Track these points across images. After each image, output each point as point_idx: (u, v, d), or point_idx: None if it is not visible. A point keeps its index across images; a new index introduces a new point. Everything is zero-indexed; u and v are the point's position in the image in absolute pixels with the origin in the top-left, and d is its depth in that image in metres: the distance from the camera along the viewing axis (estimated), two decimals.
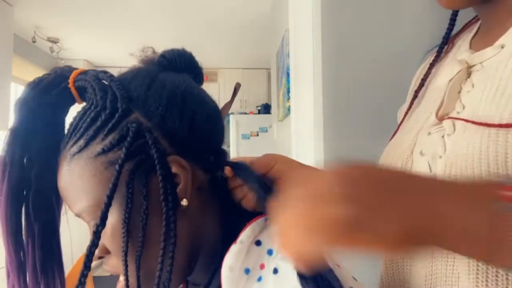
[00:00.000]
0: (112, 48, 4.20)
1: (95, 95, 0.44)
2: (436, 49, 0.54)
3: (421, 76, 0.54)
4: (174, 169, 0.43)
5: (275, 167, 0.51)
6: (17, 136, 0.43)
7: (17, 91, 3.76)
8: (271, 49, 3.02)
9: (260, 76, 5.08)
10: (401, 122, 0.55)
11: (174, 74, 0.50)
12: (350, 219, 0.25)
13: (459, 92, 0.43)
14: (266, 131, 4.57)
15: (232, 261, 0.43)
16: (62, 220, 0.48)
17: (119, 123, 0.43)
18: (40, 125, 0.45)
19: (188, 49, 0.56)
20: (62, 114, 0.48)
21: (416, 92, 0.53)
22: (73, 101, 0.48)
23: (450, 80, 0.44)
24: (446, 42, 0.53)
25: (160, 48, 0.54)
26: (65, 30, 3.67)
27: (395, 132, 0.55)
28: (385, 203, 0.26)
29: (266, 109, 4.66)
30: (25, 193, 0.44)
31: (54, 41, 3.89)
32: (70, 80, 0.45)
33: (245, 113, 4.82)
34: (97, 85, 0.44)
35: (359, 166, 0.28)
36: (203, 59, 0.56)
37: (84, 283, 0.40)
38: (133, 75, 0.48)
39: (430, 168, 0.42)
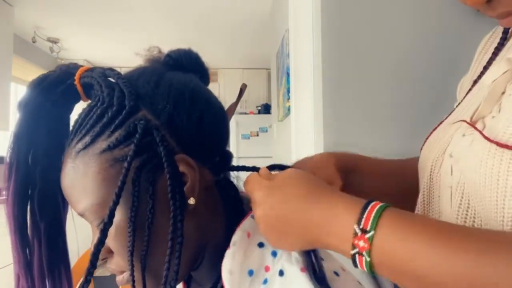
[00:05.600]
0: (112, 48, 4.21)
1: (101, 92, 0.43)
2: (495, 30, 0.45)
3: (483, 51, 0.49)
4: (181, 168, 0.43)
5: None
6: (22, 134, 0.43)
7: (17, 91, 3.76)
8: (271, 49, 3.02)
9: (260, 76, 5.08)
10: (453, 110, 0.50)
11: (181, 74, 0.49)
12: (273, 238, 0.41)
13: (503, 93, 0.38)
14: (266, 131, 4.58)
15: (229, 264, 0.42)
16: (68, 216, 0.48)
17: (126, 120, 0.43)
18: (45, 123, 0.44)
19: None
20: (67, 111, 0.47)
21: (475, 82, 0.48)
22: (78, 99, 0.47)
23: (494, 80, 0.39)
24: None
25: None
26: (65, 30, 3.67)
27: (446, 117, 0.50)
28: (286, 234, 0.39)
29: (266, 109, 4.66)
30: (30, 191, 0.44)
31: (54, 41, 3.89)
32: (76, 77, 0.45)
33: (245, 113, 4.81)
34: (103, 82, 0.43)
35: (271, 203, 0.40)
36: (203, 59, 0.55)
37: (90, 281, 0.39)
38: (140, 73, 0.48)
39: (452, 171, 0.41)
